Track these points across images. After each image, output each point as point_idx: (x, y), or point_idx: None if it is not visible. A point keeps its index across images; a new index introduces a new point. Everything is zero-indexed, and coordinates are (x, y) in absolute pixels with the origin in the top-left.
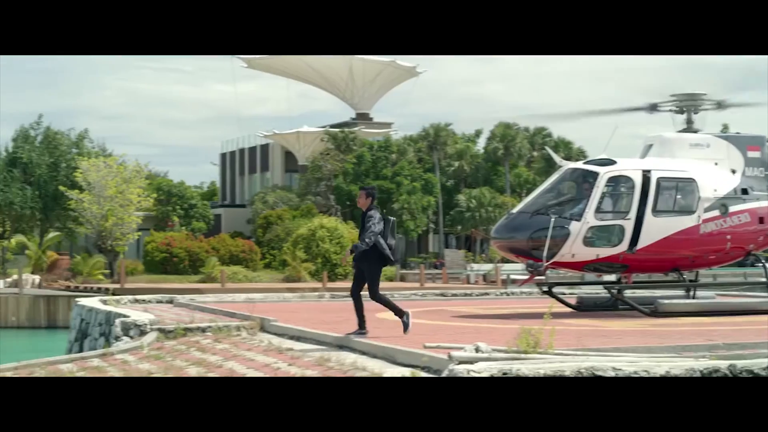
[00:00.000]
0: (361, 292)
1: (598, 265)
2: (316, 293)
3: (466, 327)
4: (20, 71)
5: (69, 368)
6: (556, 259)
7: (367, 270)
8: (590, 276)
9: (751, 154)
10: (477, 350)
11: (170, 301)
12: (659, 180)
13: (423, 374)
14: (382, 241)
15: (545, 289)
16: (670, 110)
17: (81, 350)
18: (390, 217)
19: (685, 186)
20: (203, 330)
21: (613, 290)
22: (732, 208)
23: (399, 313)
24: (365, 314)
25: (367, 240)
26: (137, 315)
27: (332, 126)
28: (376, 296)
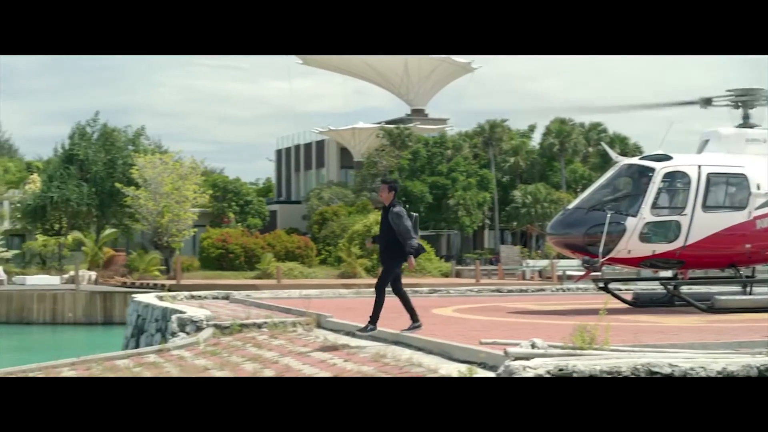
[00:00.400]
0: (402, 285)
1: (654, 261)
2: (372, 289)
3: (521, 323)
4: (76, 69)
5: (125, 364)
6: (612, 255)
7: (388, 263)
8: (646, 272)
9: None
10: (533, 346)
11: (226, 297)
12: (712, 176)
13: (479, 370)
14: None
15: (601, 285)
16: (726, 105)
17: (137, 346)
18: (413, 213)
19: (738, 181)
20: (259, 326)
21: (669, 286)
22: None
23: (375, 319)
24: (414, 306)
25: (415, 240)
26: (193, 311)
27: (387, 122)
28: (380, 288)
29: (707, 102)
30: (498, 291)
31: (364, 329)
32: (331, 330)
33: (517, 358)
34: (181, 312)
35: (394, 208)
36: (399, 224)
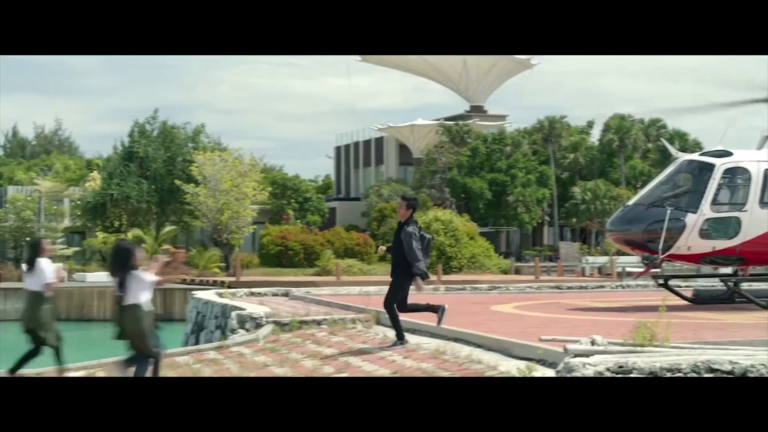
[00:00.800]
0: (393, 303)
1: (714, 258)
2: (431, 286)
3: (581, 320)
4: (135, 66)
5: (185, 360)
6: (671, 251)
7: (398, 277)
8: (706, 268)
9: None
10: (593, 343)
11: (285, 294)
12: None
13: (538, 367)
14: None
15: (661, 281)
16: None
17: (197, 343)
18: (426, 235)
19: None
20: (318, 323)
21: (729, 283)
22: None
23: (401, 335)
24: (432, 303)
25: (423, 264)
26: (253, 308)
27: (446, 119)
28: (389, 305)
29: None
30: (557, 288)
31: (394, 345)
32: (390, 327)
33: (576, 355)
34: (240, 309)
35: (408, 226)
36: (408, 245)
